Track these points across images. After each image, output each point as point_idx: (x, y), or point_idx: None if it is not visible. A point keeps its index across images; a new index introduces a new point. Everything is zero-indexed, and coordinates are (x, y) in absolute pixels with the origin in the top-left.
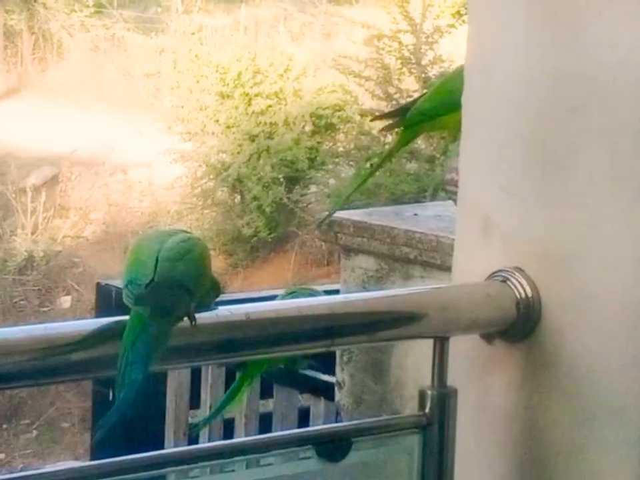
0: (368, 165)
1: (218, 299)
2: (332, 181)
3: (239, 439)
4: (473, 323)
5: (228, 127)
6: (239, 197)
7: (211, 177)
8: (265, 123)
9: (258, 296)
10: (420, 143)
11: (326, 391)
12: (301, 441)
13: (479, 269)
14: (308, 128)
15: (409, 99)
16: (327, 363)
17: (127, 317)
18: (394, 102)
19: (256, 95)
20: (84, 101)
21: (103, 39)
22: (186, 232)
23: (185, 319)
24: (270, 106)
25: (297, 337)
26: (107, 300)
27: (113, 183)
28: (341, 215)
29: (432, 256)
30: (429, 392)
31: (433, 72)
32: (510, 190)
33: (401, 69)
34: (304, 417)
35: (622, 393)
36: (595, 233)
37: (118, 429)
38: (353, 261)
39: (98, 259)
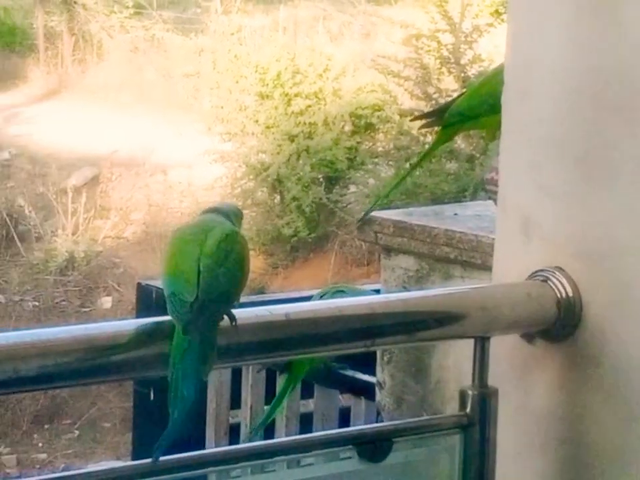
0: (407, 165)
1: (258, 299)
2: (371, 181)
3: (279, 439)
4: (514, 323)
5: (267, 127)
6: (278, 197)
7: (251, 177)
8: (305, 123)
9: (298, 296)
10: (460, 142)
11: (366, 391)
12: (341, 441)
13: (519, 269)
14: (347, 128)
15: (448, 99)
16: (367, 363)
17: (167, 317)
18: (433, 102)
19: (295, 95)
20: (124, 102)
21: (143, 39)
22: (224, 213)
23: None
24: (309, 106)
25: (337, 336)
26: (147, 300)
27: (153, 184)
28: (381, 214)
29: (472, 256)
30: (470, 392)
31: (472, 71)
32: (550, 190)
33: (440, 68)
34: (345, 417)
35: None
36: (636, 233)
37: (159, 430)
38: (393, 261)
39: (138, 259)
